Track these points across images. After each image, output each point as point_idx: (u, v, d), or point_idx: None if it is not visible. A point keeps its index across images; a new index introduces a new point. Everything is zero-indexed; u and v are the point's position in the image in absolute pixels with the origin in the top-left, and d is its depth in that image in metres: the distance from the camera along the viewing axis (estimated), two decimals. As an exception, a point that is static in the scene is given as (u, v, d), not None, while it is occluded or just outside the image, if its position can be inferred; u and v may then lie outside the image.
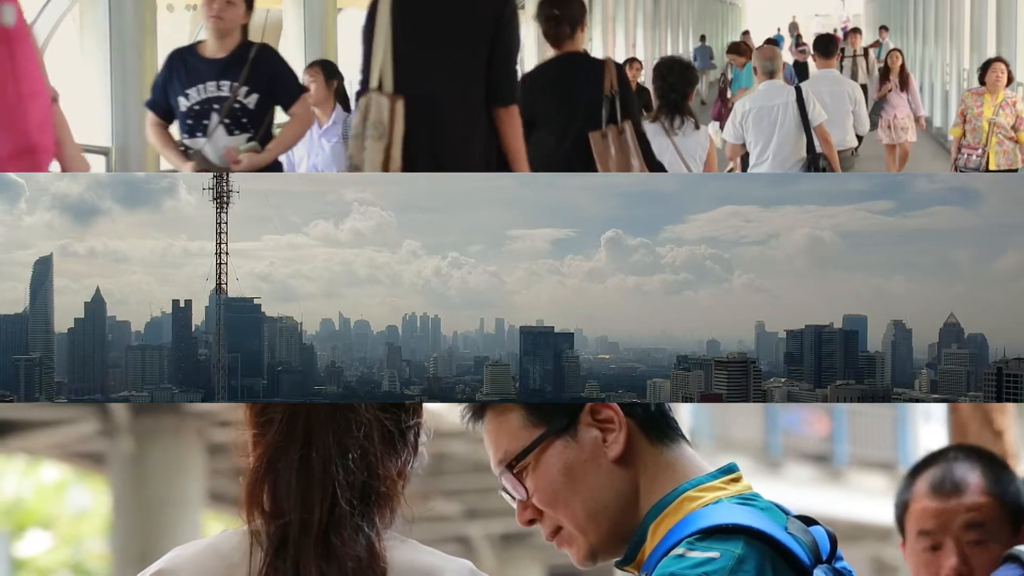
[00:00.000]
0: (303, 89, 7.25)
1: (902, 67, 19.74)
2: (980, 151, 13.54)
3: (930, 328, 14.94)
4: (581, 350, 13.58)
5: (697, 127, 8.71)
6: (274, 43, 23.71)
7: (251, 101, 6.71)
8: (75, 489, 13.45)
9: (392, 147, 5.35)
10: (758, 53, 12.11)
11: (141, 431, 10.10)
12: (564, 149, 6.65)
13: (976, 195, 16.63)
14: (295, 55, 14.72)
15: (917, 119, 19.40)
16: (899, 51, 20.60)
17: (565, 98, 6.79)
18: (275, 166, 7.49)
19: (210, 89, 6.62)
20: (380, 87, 5.37)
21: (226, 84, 6.63)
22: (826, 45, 13.86)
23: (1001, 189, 14.11)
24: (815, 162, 10.82)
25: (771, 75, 11.02)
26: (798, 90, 10.85)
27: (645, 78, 18.29)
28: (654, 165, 7.31)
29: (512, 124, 5.55)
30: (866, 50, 27.08)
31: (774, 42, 19.88)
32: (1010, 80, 13.96)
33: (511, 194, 16.97)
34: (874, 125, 18.78)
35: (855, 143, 12.89)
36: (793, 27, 56.27)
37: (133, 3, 10.47)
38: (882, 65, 29.16)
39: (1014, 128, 13.51)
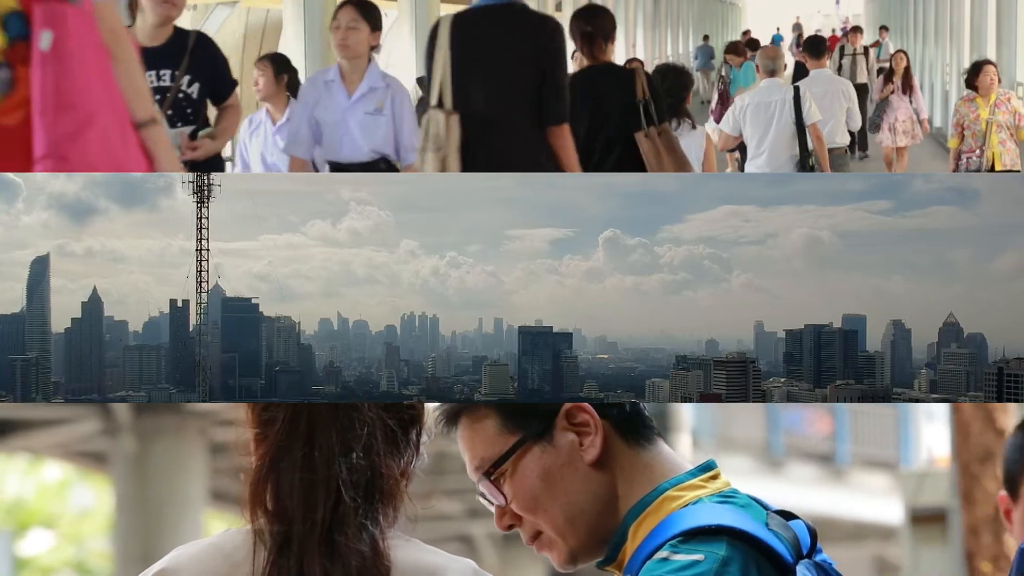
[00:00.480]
0: (235, 80, 7.24)
1: (906, 69, 19.36)
2: (978, 152, 13.38)
3: (929, 328, 14.87)
4: (580, 350, 13.59)
5: (694, 127, 9.12)
6: (274, 43, 23.83)
7: (194, 91, 6.59)
8: (77, 488, 13.46)
9: (448, 158, 5.94)
10: (761, 52, 12.77)
11: (143, 431, 10.13)
12: (597, 154, 7.14)
13: (974, 195, 16.67)
14: (295, 55, 14.76)
15: (921, 121, 19.26)
16: (904, 53, 20.09)
17: (599, 106, 7.20)
18: (217, 160, 7.46)
19: (149, 79, 6.40)
20: (440, 105, 5.98)
21: (166, 73, 6.45)
22: (816, 46, 14.16)
23: (999, 189, 14.13)
24: (807, 159, 11.27)
25: (772, 73, 11.58)
26: (796, 89, 11.20)
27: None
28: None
29: (563, 140, 5.99)
30: (866, 49, 26.87)
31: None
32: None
33: (509, 194, 17.01)
34: (876, 128, 18.66)
35: (847, 140, 13.08)
36: (797, 27, 56.51)
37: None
38: (882, 65, 28.80)
39: (1016, 127, 13.30)
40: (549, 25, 6.14)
